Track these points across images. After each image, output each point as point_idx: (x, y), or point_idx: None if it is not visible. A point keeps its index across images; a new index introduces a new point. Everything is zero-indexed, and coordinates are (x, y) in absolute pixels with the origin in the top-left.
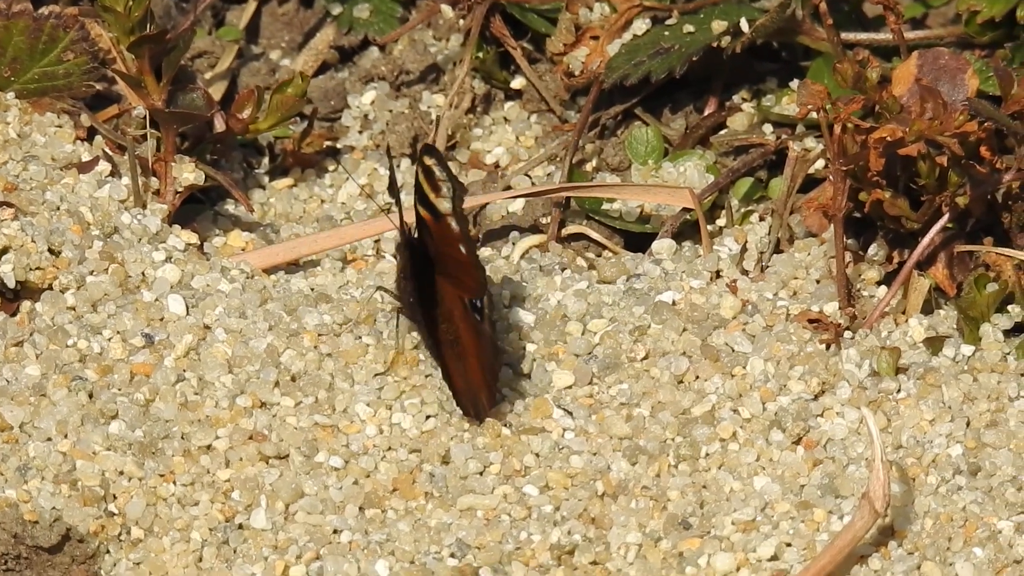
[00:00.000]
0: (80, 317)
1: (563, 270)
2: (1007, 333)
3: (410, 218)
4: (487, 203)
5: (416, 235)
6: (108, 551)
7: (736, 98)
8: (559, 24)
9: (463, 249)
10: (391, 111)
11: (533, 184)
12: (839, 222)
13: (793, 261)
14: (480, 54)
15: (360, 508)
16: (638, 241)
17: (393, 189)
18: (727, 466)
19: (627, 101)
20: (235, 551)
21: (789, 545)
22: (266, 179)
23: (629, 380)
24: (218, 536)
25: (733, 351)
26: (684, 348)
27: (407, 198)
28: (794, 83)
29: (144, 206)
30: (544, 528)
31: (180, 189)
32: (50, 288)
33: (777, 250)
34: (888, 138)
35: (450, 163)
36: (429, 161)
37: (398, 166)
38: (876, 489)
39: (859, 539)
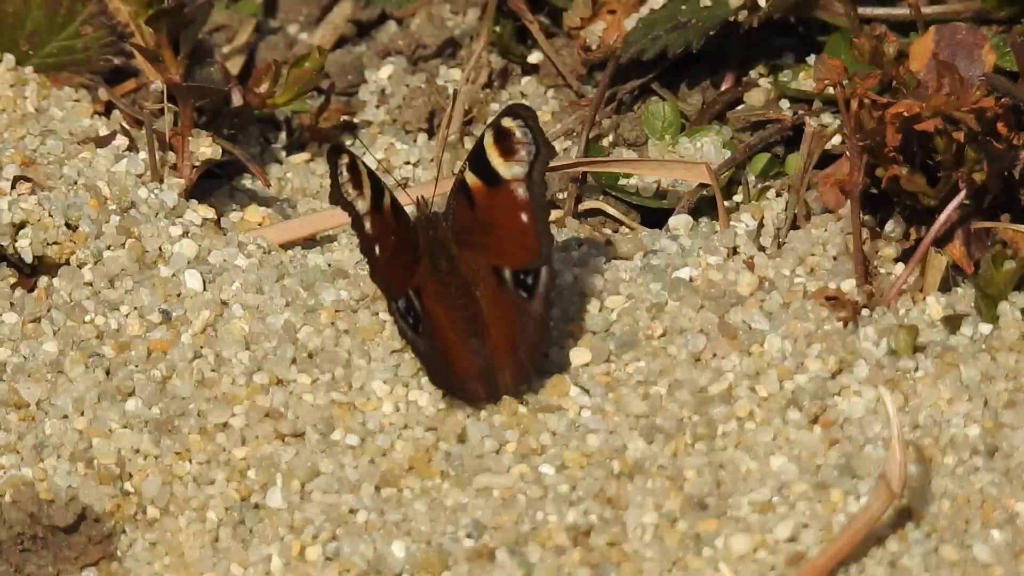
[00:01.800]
0: (97, 293)
1: (580, 246)
2: None
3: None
4: None
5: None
6: (124, 531)
7: (753, 73)
8: None
9: (526, 217)
10: (408, 85)
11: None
12: (856, 198)
13: (810, 237)
14: (497, 28)
15: (376, 487)
16: (655, 217)
17: (338, 195)
18: (744, 445)
19: (644, 76)
20: (251, 531)
21: (806, 526)
22: (283, 154)
23: (646, 358)
24: (234, 516)
25: (750, 329)
26: (701, 326)
27: (424, 173)
28: (811, 58)
29: (161, 181)
30: (560, 508)
31: (197, 164)
32: (67, 263)
33: (794, 226)
34: (905, 113)
35: (467, 138)
36: (510, 123)
37: (413, 141)
38: (893, 470)
39: (876, 521)
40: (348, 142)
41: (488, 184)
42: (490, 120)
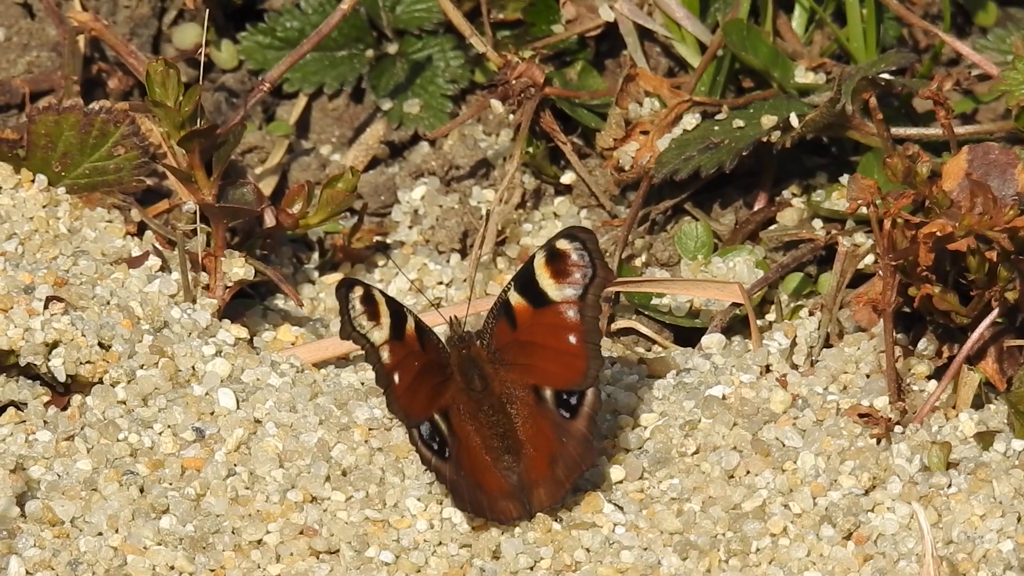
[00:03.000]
0: (131, 411)
1: (613, 364)
2: None
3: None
4: None
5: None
6: None
7: (786, 193)
8: (609, 119)
9: (574, 339)
10: (441, 206)
11: None
12: (889, 317)
13: (843, 355)
14: (530, 149)
15: None
16: (688, 336)
17: (347, 330)
18: (778, 561)
19: (677, 196)
20: None
21: None
22: (316, 274)
23: (680, 475)
24: None
25: (784, 446)
26: (735, 443)
27: (456, 293)
28: (844, 178)
29: (194, 301)
30: None
31: (230, 284)
32: (100, 382)
33: (827, 344)
34: (938, 233)
35: (500, 258)
36: (566, 246)
37: (447, 262)
38: None
39: None
40: (381, 262)
41: (534, 305)
42: (545, 241)
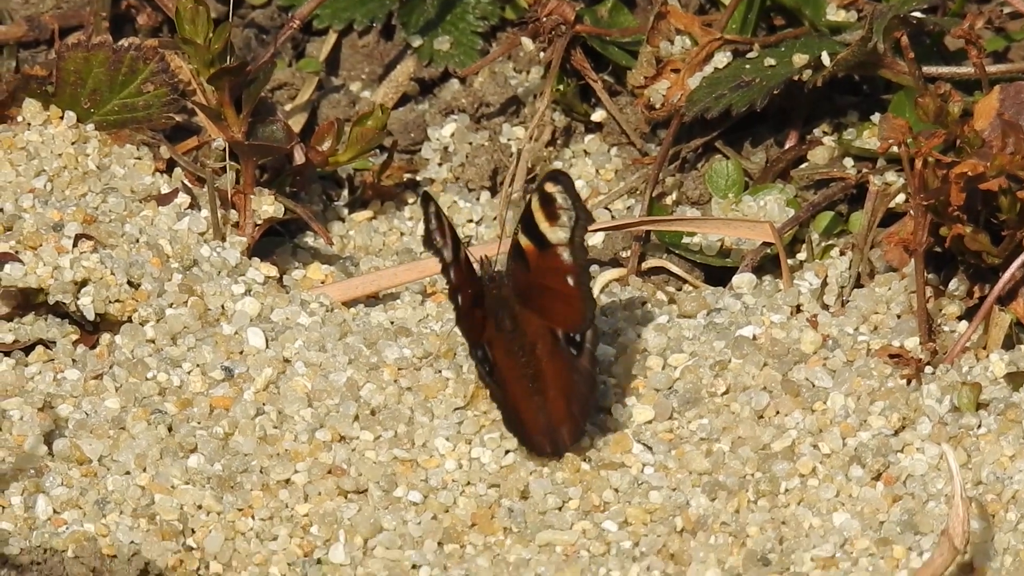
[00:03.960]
0: (160, 350)
1: (643, 304)
2: None
3: (486, 252)
4: None
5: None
6: None
7: (817, 132)
8: (640, 57)
9: (571, 281)
10: (471, 143)
11: (613, 217)
12: (920, 257)
13: (874, 296)
14: (560, 87)
15: (439, 543)
16: (718, 275)
17: (431, 239)
18: (806, 502)
19: (708, 134)
20: None
21: None
22: (345, 211)
23: (709, 415)
24: (296, 571)
25: (813, 386)
26: (765, 383)
27: (487, 231)
28: (875, 117)
29: (223, 239)
30: (623, 564)
31: (259, 222)
32: (129, 320)
33: (858, 285)
34: (969, 173)
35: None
36: (552, 188)
37: (476, 199)
38: (956, 526)
39: None
40: (411, 200)
41: (539, 247)
42: (534, 185)
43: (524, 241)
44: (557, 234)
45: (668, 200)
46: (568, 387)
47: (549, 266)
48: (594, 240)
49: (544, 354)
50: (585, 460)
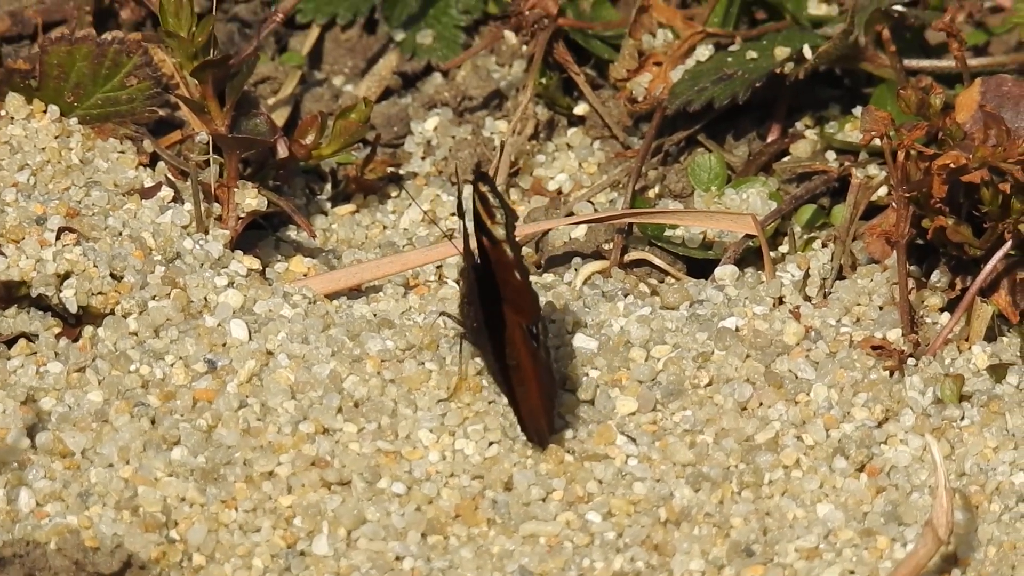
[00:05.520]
0: (142, 342)
1: (626, 296)
2: None
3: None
4: (550, 229)
5: (480, 260)
6: None
7: (799, 125)
8: (622, 50)
9: (517, 275)
10: (454, 137)
11: (596, 210)
12: (902, 249)
13: (856, 287)
14: (543, 80)
15: (422, 535)
16: (701, 267)
17: (460, 212)
18: (790, 493)
19: (690, 127)
20: None
21: (852, 573)
22: (328, 205)
23: (692, 407)
24: (280, 563)
25: (797, 378)
26: (747, 375)
27: (471, 223)
28: (857, 110)
29: (206, 232)
30: (607, 555)
31: (242, 215)
32: (112, 313)
33: (840, 276)
34: (951, 165)
35: (512, 189)
36: (483, 188)
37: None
38: (939, 517)
39: (922, 567)
40: (394, 193)
41: (491, 243)
42: (471, 185)
43: (482, 237)
44: (498, 231)
45: (651, 193)
46: (539, 378)
47: (500, 260)
48: (577, 233)
49: (520, 345)
50: (569, 451)
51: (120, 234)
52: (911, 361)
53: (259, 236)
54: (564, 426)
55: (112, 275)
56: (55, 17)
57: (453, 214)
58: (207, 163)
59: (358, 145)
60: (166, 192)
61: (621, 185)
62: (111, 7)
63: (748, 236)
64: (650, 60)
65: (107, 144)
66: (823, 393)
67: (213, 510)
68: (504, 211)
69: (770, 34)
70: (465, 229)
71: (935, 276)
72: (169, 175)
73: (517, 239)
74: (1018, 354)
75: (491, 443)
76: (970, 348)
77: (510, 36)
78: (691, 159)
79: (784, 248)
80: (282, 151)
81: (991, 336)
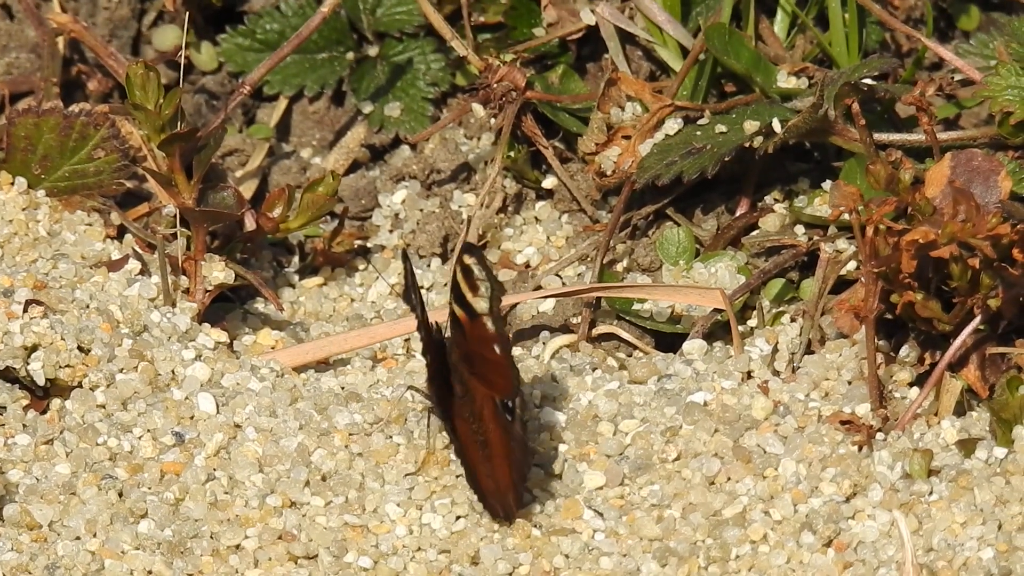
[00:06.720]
0: (110, 415)
1: (594, 370)
2: None
3: (437, 318)
4: (518, 303)
5: (442, 335)
6: None
7: (768, 199)
8: (591, 123)
9: (497, 349)
10: (422, 210)
11: (564, 284)
12: (871, 323)
13: (825, 362)
14: (511, 153)
15: None
16: (669, 341)
17: (409, 295)
18: (757, 568)
19: (659, 201)
20: None
21: None
22: (296, 278)
23: (660, 481)
24: None
25: (765, 452)
26: (716, 449)
27: (437, 297)
28: (826, 184)
29: (174, 304)
30: None
31: (210, 288)
32: (80, 386)
33: (808, 351)
34: (921, 240)
35: None
36: (469, 260)
37: (427, 266)
38: None
39: None
40: (361, 267)
41: (469, 316)
42: (455, 257)
43: (457, 310)
44: (480, 304)
45: (619, 267)
46: (509, 454)
47: (479, 335)
48: (545, 306)
49: (490, 420)
50: (536, 526)
51: (87, 307)
52: (880, 436)
53: (227, 309)
54: (532, 500)
55: (80, 348)
56: (22, 88)
57: (421, 287)
58: (174, 236)
59: (326, 218)
60: (133, 265)
61: (589, 259)
62: (78, 78)
63: (717, 310)
64: (619, 133)
65: (75, 216)
66: (791, 468)
67: None
68: (491, 284)
69: (739, 107)
70: (422, 305)
71: (904, 351)
72: (136, 248)
73: (501, 313)
74: (987, 429)
75: (458, 517)
76: (939, 423)
77: (478, 109)
78: (660, 233)
79: (753, 322)
80: (250, 224)
81: (960, 411)
